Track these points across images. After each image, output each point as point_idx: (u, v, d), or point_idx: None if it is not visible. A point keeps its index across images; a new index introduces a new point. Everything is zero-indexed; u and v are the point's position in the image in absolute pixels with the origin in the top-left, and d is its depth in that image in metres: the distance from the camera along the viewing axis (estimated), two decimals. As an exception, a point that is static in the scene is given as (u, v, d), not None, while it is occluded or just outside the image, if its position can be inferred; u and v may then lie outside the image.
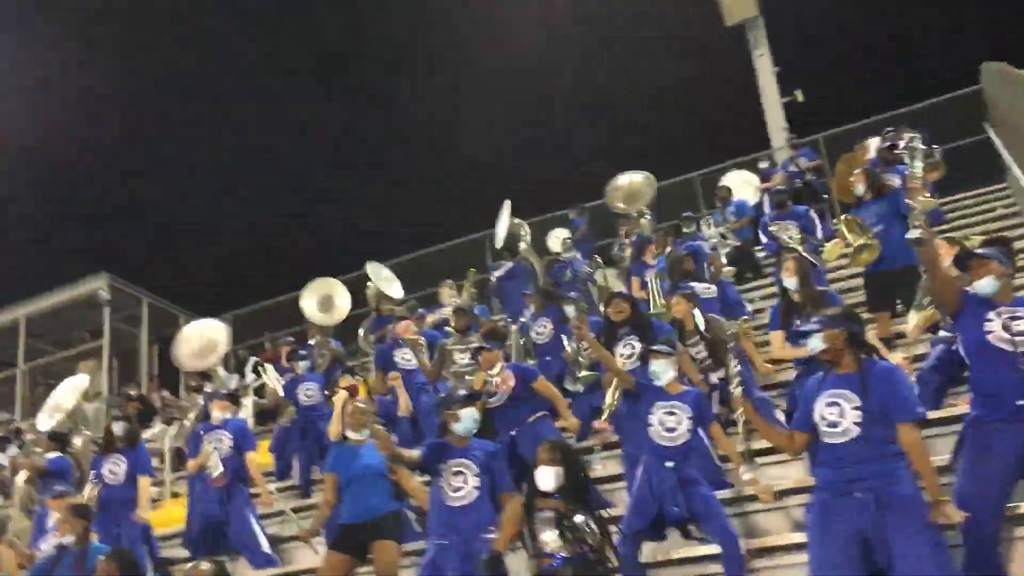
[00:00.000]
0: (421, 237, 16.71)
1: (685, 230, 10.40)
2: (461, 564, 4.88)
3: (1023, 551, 4.18)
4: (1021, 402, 4.28)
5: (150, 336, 18.38)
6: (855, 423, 4.17)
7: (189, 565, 4.35)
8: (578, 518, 4.31)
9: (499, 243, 11.37)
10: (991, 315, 4.47)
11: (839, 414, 4.22)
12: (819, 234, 8.73)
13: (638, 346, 6.48)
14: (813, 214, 9.11)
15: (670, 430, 5.29)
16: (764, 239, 9.22)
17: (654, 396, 5.45)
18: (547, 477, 4.47)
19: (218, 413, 7.45)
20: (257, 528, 7.13)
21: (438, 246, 16.10)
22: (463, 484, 5.08)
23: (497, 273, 11.26)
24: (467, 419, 5.24)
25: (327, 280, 11.35)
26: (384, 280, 11.41)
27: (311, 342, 10.51)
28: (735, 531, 5.06)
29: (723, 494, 5.56)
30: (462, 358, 7.70)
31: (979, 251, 4.70)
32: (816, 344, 4.39)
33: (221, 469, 7.09)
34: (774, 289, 9.27)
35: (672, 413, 5.34)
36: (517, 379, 6.50)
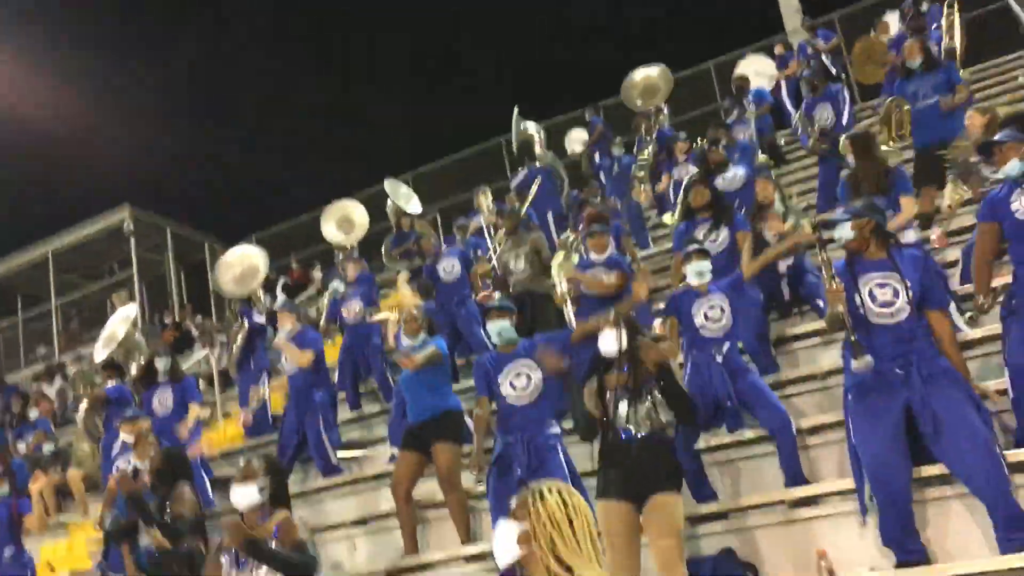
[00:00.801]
0: (438, 149, 16.69)
1: (728, 121, 10.40)
2: (528, 459, 5.18)
3: (936, 512, 4.39)
4: None
5: (176, 263, 18.64)
6: (904, 303, 4.36)
7: (242, 461, 4.57)
8: (648, 397, 4.44)
9: (516, 148, 11.42)
10: (1016, 193, 4.64)
11: (893, 294, 4.41)
12: (846, 115, 8.77)
13: (724, 232, 6.72)
14: (845, 93, 9.13)
15: (714, 321, 5.53)
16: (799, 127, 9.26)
17: (694, 295, 5.68)
18: (609, 340, 4.55)
19: (288, 325, 7.68)
20: (326, 437, 7.45)
21: (453, 156, 16.11)
22: (527, 383, 5.39)
23: (513, 183, 11.34)
24: (493, 332, 5.59)
25: (343, 202, 11.47)
26: (402, 196, 11.52)
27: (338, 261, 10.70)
28: (787, 415, 5.28)
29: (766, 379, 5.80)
30: (517, 264, 7.87)
31: (998, 138, 4.84)
32: (845, 233, 4.57)
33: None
34: (801, 174, 9.36)
35: (712, 307, 5.57)
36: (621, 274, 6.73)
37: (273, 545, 4.18)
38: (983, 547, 4.22)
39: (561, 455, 5.27)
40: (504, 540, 2.68)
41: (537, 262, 7.85)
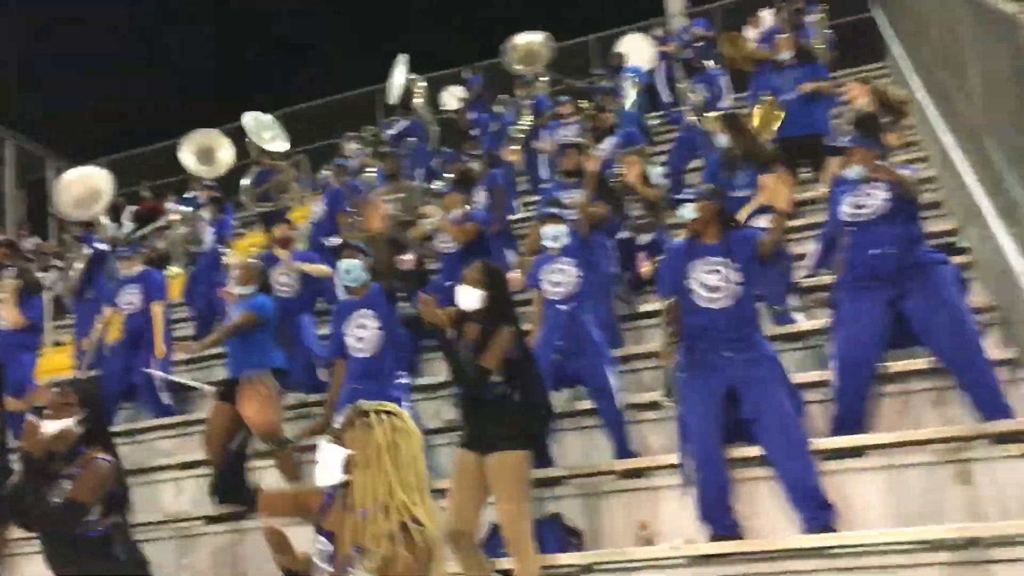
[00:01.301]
0: (307, 89, 16.19)
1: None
2: None
3: (750, 491, 4.62)
4: (871, 252, 4.82)
5: (16, 179, 17.45)
6: (728, 290, 4.57)
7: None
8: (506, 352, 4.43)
9: (393, 99, 11.18)
10: (847, 196, 5.01)
11: (717, 278, 4.61)
12: (723, 100, 9.03)
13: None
14: (724, 80, 9.40)
15: (562, 285, 5.66)
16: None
17: (548, 259, 5.79)
18: (468, 296, 4.50)
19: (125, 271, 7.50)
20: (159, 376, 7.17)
21: (324, 99, 15.68)
22: (365, 335, 5.32)
23: (391, 131, 11.11)
24: (341, 269, 5.49)
25: (207, 131, 10.93)
26: (264, 133, 11.05)
27: (193, 194, 10.26)
28: (615, 391, 5.39)
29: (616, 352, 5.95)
30: (396, 206, 7.76)
31: (845, 142, 5.24)
32: (688, 213, 4.81)
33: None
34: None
35: (561, 271, 5.68)
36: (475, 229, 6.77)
37: (68, 486, 3.75)
38: (790, 527, 4.46)
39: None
40: (329, 463, 2.60)
41: (409, 211, 7.81)
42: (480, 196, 8.27)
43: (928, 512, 4.29)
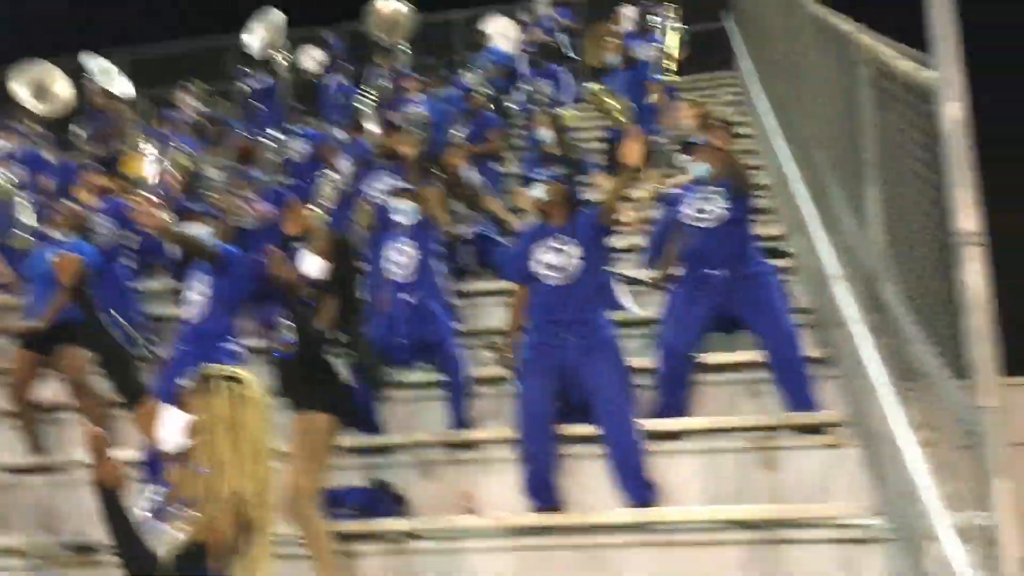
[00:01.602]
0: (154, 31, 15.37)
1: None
2: None
3: (576, 468, 4.80)
4: (706, 271, 5.04)
5: None
6: (569, 269, 4.68)
7: None
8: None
9: (256, 53, 10.78)
10: (690, 197, 5.22)
11: (555, 257, 4.72)
12: (565, 95, 9.18)
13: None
14: (566, 75, 9.52)
15: (401, 265, 5.61)
16: (519, 96, 9.57)
17: (394, 232, 5.72)
18: (312, 265, 4.48)
19: None
20: None
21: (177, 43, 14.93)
22: (196, 298, 5.17)
23: (255, 85, 10.69)
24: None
25: (42, 64, 10.22)
26: (104, 74, 10.42)
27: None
28: (463, 362, 5.47)
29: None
30: (217, 173, 7.47)
31: (694, 139, 5.41)
32: (538, 193, 4.88)
33: None
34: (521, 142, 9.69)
35: (400, 250, 5.64)
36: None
37: None
38: (613, 503, 4.65)
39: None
40: (171, 428, 2.59)
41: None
42: (343, 165, 8.17)
43: (737, 494, 4.58)
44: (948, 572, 2.63)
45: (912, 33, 2.89)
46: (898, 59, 2.98)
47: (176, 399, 2.63)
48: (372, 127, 9.44)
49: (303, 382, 4.32)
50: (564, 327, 4.66)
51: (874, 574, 3.86)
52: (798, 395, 4.85)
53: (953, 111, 2.49)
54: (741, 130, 9.24)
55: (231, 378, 2.60)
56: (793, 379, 4.87)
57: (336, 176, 7.65)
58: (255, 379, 2.64)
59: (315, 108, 10.59)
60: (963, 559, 2.45)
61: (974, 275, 2.43)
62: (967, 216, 2.44)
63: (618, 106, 7.65)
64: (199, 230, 5.41)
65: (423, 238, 5.70)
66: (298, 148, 8.53)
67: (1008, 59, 10.29)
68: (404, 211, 5.72)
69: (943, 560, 2.68)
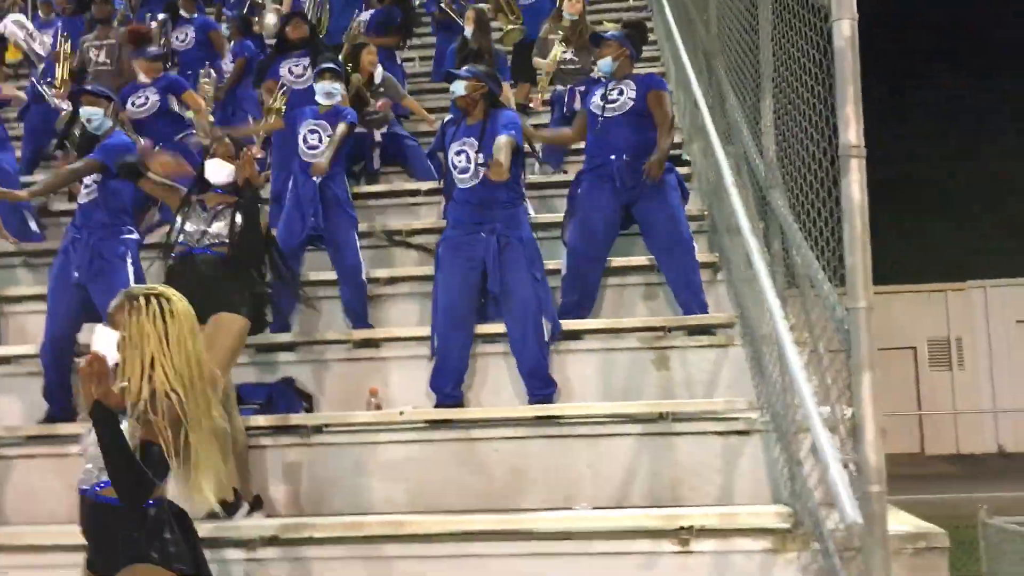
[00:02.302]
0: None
1: None
2: (90, 262, 4.96)
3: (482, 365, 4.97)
4: (610, 157, 5.18)
5: None
6: (479, 167, 4.75)
7: None
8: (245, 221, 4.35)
9: None
10: (599, 88, 5.35)
11: (467, 160, 4.78)
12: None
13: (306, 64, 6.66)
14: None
15: (312, 148, 5.57)
16: None
17: (307, 115, 5.71)
18: (220, 171, 4.43)
19: None
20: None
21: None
22: (89, 183, 5.10)
23: None
24: (84, 118, 5.18)
25: None
26: None
27: None
28: (359, 263, 5.49)
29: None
30: (99, 55, 7.13)
31: (606, 35, 5.50)
32: (458, 88, 4.92)
33: None
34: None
35: (315, 131, 5.61)
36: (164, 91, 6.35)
37: None
38: (515, 399, 4.86)
39: (129, 264, 5.00)
40: (102, 345, 2.76)
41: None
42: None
43: (631, 390, 4.83)
44: (816, 458, 2.89)
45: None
46: (797, -24, 3.09)
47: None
48: (271, 18, 9.17)
49: (227, 280, 4.26)
50: (478, 226, 4.77)
51: (752, 462, 4.16)
52: (689, 298, 5.08)
53: (844, 29, 2.62)
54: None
55: (156, 295, 2.77)
56: (686, 282, 5.09)
57: (213, 74, 7.47)
58: (177, 294, 2.80)
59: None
60: (830, 447, 2.70)
61: (854, 185, 2.60)
62: (850, 129, 2.60)
63: (514, 26, 7.71)
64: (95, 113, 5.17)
65: (335, 124, 5.65)
66: (185, 35, 8.25)
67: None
68: (328, 91, 5.68)
69: (812, 448, 2.94)
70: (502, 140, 4.67)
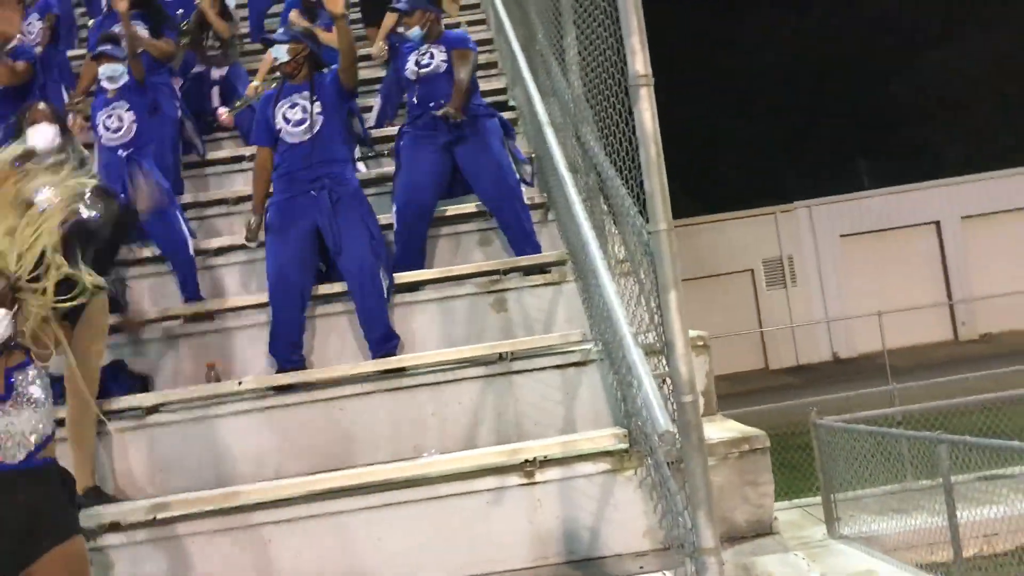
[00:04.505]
0: None
1: None
2: None
3: (323, 326, 5.00)
4: (426, 109, 5.24)
5: None
6: (308, 123, 4.74)
7: None
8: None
9: None
10: (413, 53, 5.42)
11: (303, 112, 4.75)
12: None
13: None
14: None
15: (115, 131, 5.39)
16: None
17: (103, 101, 5.49)
18: (44, 135, 4.38)
19: None
20: None
21: None
22: None
23: None
24: None
25: None
26: None
27: None
28: (183, 237, 5.34)
29: (182, 199, 5.83)
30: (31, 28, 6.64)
31: (400, 6, 5.54)
32: (280, 54, 4.87)
33: None
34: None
35: (112, 116, 5.41)
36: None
37: None
38: (359, 356, 4.86)
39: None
40: None
41: None
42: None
43: (472, 336, 4.91)
44: (636, 377, 3.04)
45: None
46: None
47: None
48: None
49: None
50: (309, 184, 4.73)
51: (591, 391, 4.32)
52: (521, 240, 5.19)
53: (624, -39, 2.71)
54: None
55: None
56: (514, 225, 5.19)
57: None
58: None
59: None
60: (641, 364, 2.84)
61: (645, 114, 2.72)
62: (637, 60, 2.71)
63: None
64: None
65: (141, 99, 5.45)
66: None
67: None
68: (110, 74, 5.45)
69: (632, 369, 3.09)
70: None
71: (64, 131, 4.71)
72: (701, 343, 4.33)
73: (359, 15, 7.89)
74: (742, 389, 18.67)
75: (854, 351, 23.63)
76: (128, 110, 5.36)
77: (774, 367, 24.09)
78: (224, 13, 6.83)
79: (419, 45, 5.45)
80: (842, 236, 24.81)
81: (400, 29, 6.09)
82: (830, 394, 14.17)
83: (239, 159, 6.57)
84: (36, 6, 7.55)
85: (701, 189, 25.25)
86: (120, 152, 5.29)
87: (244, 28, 8.42)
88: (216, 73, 6.77)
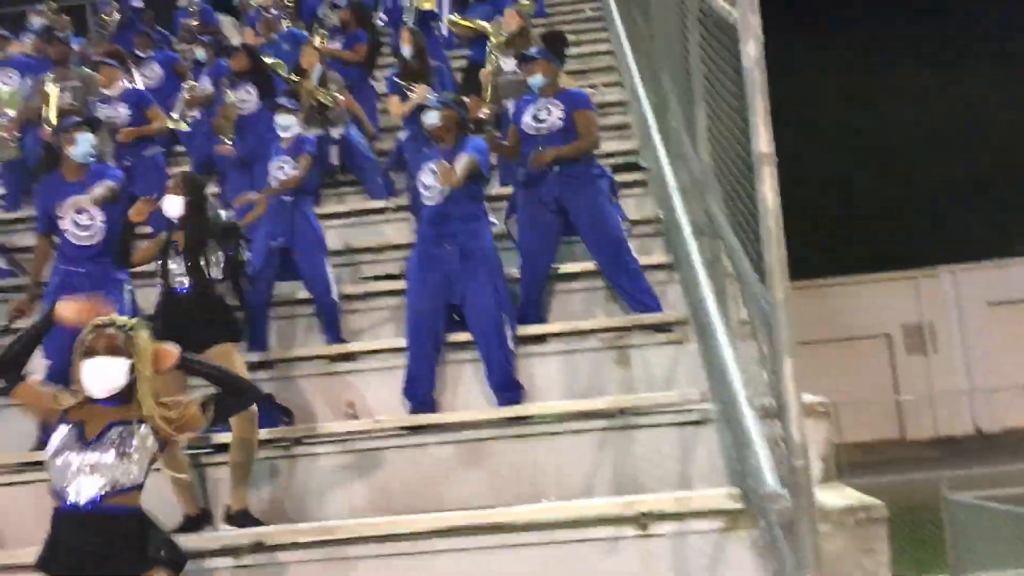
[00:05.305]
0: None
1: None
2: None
3: (453, 372, 5.18)
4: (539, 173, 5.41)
5: None
6: (441, 190, 5.05)
7: None
8: (208, 254, 4.64)
9: None
10: (531, 107, 5.60)
11: (433, 179, 5.07)
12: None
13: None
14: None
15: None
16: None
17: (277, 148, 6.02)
18: (173, 205, 4.72)
19: None
20: None
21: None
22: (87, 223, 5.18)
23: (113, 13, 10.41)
24: (84, 143, 5.26)
25: None
26: None
27: None
28: (329, 282, 5.71)
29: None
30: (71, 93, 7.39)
31: (530, 53, 5.80)
32: (432, 119, 5.22)
33: None
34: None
35: (283, 167, 5.92)
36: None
37: None
38: (485, 403, 5.11)
39: (127, 298, 5.21)
40: (107, 375, 3.05)
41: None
42: (204, 82, 8.16)
43: (593, 388, 5.09)
44: (751, 439, 3.16)
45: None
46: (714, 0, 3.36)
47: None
48: (235, 40, 9.44)
49: (202, 314, 4.56)
50: (441, 239, 5.06)
51: (708, 449, 4.42)
52: (638, 297, 5.35)
53: (751, 49, 2.90)
54: (602, 47, 9.64)
55: (131, 327, 3.14)
56: (627, 283, 5.36)
57: (194, 84, 7.76)
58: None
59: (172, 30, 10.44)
60: (755, 427, 2.96)
61: (767, 190, 2.88)
62: (761, 139, 2.88)
63: (477, 26, 7.95)
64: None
65: (299, 150, 5.95)
66: (151, 72, 8.58)
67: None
68: (285, 125, 5.99)
69: (747, 431, 3.20)
70: (464, 158, 5.00)
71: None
72: (821, 409, 4.35)
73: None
74: (876, 459, 17.98)
75: (999, 425, 22.39)
76: (291, 160, 5.87)
77: (911, 437, 23.06)
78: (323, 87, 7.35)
79: (536, 99, 5.63)
80: (989, 304, 23.66)
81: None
82: (970, 469, 13.52)
83: (381, 211, 7.03)
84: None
85: (837, 249, 24.58)
86: (286, 199, 5.77)
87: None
88: (334, 132, 7.26)
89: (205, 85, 7.94)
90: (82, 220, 5.16)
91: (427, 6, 9.30)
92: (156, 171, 6.91)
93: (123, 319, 3.21)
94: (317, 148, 6.54)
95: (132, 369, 3.08)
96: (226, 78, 7.41)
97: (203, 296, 4.61)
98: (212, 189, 6.61)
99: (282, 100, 6.29)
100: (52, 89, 7.29)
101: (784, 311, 2.85)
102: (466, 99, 6.05)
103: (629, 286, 5.35)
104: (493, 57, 7.19)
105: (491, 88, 7.14)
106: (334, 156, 7.26)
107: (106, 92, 7.23)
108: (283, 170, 5.90)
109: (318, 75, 7.34)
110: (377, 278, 6.31)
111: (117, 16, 10.36)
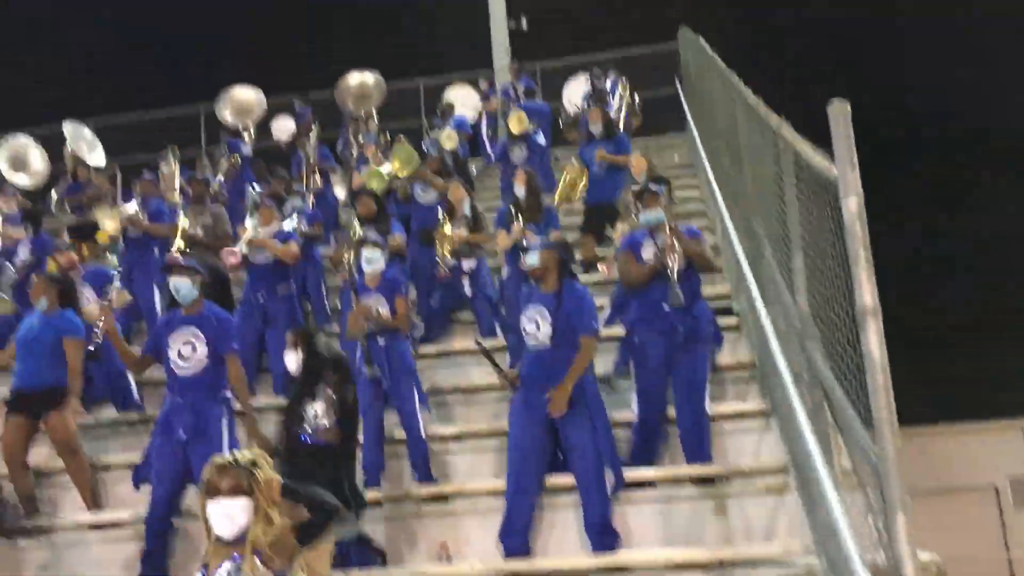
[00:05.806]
0: (129, 99, 15.76)
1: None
2: (193, 422, 5.32)
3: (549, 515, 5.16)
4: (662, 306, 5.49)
5: None
6: (548, 335, 5.15)
7: None
8: (314, 405, 4.81)
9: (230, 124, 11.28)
10: (648, 239, 5.70)
11: (536, 327, 5.17)
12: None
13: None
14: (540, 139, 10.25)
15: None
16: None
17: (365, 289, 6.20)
18: (289, 361, 4.99)
19: None
20: None
21: (150, 112, 15.38)
22: (191, 353, 5.42)
23: (245, 151, 11.16)
24: (174, 288, 5.56)
25: (19, 138, 10.68)
26: (84, 143, 10.88)
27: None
28: (418, 421, 5.80)
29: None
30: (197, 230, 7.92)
31: (652, 187, 5.95)
32: (533, 261, 5.34)
33: None
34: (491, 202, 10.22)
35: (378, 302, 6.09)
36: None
37: None
38: (581, 549, 5.02)
39: (225, 427, 5.37)
40: (232, 516, 3.10)
41: (212, 234, 8.02)
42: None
43: (690, 537, 4.98)
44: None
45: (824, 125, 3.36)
46: (811, 155, 3.46)
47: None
48: (339, 191, 9.96)
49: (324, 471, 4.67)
50: (545, 384, 5.10)
51: (812, 606, 4.24)
52: (692, 447, 5.34)
53: (851, 205, 2.96)
54: (691, 193, 9.85)
55: (262, 458, 3.22)
56: (691, 433, 5.37)
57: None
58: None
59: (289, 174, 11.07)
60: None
61: (873, 343, 2.87)
62: (865, 292, 2.90)
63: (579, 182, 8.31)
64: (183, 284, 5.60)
65: (393, 291, 6.07)
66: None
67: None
68: (369, 258, 6.12)
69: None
70: (576, 365, 5.08)
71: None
72: (935, 569, 4.17)
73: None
74: (987, 621, 16.68)
75: (1124, 589, 20.64)
76: (381, 299, 6.00)
77: (1026, 599, 21.40)
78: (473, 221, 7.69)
79: (644, 236, 5.74)
80: (1107, 455, 22.25)
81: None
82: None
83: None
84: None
85: (939, 393, 23.59)
86: (379, 337, 5.90)
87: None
88: (465, 264, 7.50)
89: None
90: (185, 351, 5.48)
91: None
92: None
93: (243, 454, 3.25)
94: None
95: (255, 508, 3.12)
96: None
97: (317, 444, 4.75)
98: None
99: (370, 234, 6.43)
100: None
101: (896, 465, 2.79)
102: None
103: (695, 432, 5.35)
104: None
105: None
106: (467, 287, 7.51)
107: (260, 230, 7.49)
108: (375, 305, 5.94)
109: (467, 207, 7.74)
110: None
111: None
